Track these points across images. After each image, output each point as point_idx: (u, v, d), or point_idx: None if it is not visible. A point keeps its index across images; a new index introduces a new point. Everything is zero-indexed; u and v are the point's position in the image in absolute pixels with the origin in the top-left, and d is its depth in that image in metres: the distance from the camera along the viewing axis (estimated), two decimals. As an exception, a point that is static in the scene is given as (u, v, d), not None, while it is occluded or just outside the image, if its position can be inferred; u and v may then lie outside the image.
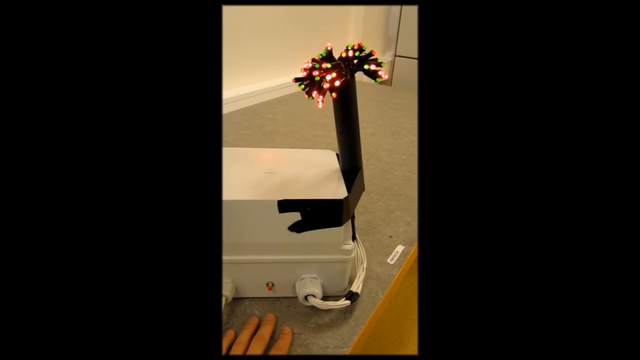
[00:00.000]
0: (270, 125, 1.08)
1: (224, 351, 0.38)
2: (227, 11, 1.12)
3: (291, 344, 0.41)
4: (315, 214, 0.40)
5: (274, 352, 0.39)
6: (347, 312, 0.46)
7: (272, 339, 0.42)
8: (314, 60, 0.37)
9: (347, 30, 1.84)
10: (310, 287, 0.44)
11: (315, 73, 0.35)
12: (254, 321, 0.43)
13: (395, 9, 2.00)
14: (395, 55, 2.06)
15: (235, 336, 0.41)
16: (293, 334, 0.43)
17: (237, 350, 0.38)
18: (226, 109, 1.17)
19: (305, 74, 0.37)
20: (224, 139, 0.96)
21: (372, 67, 0.35)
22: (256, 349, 0.38)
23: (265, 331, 0.41)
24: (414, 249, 0.59)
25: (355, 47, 0.36)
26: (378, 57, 0.36)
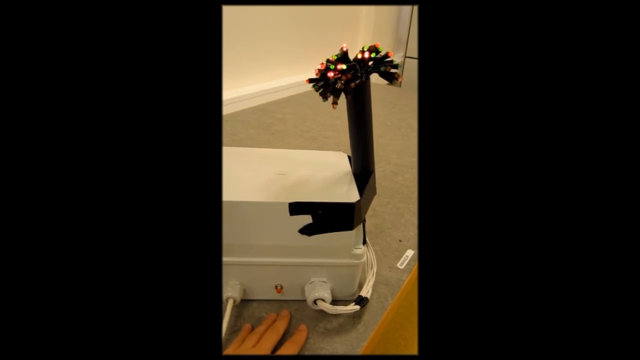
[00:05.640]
0: (280, 124, 1.08)
1: (239, 342, 0.40)
2: (238, 10, 1.12)
3: (307, 339, 0.42)
4: (326, 218, 0.40)
5: (289, 344, 0.40)
6: (356, 317, 0.45)
7: (287, 335, 0.42)
8: (328, 61, 0.36)
9: (357, 30, 1.83)
10: (320, 291, 0.43)
11: (330, 74, 0.34)
12: (272, 317, 0.44)
13: (407, 9, 1.98)
14: (405, 57, 2.05)
15: (252, 330, 0.42)
16: (308, 331, 0.43)
17: (252, 339, 0.40)
18: (235, 107, 1.17)
19: (319, 75, 0.36)
20: (233, 137, 0.96)
21: (389, 68, 0.35)
22: (270, 339, 0.40)
23: (281, 325, 0.42)
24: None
25: (371, 49, 0.35)
26: (394, 59, 0.35)
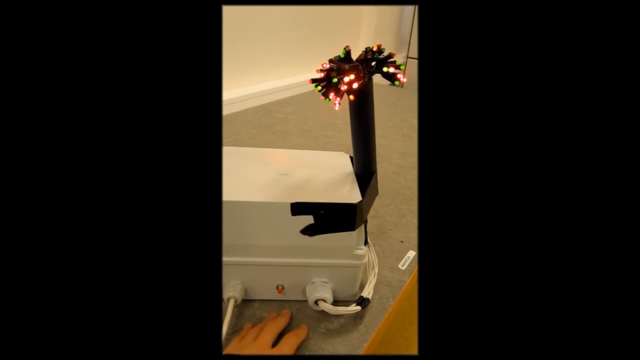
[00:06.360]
0: (281, 124, 1.08)
1: (240, 339, 0.40)
2: (238, 10, 1.12)
3: (307, 337, 0.42)
4: (328, 218, 0.40)
5: (290, 336, 0.40)
6: (357, 317, 0.45)
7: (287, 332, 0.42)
8: (331, 61, 0.36)
9: (359, 31, 1.83)
10: (321, 292, 0.43)
11: (333, 74, 0.34)
12: (273, 317, 0.44)
13: (409, 9, 1.98)
14: (408, 57, 2.05)
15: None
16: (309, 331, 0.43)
17: (252, 334, 0.40)
18: (237, 107, 1.17)
19: (322, 75, 0.36)
20: (235, 137, 0.96)
21: (391, 69, 0.35)
22: (270, 332, 0.40)
23: (281, 320, 0.43)
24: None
25: (374, 49, 0.35)
26: (396, 60, 0.35)
